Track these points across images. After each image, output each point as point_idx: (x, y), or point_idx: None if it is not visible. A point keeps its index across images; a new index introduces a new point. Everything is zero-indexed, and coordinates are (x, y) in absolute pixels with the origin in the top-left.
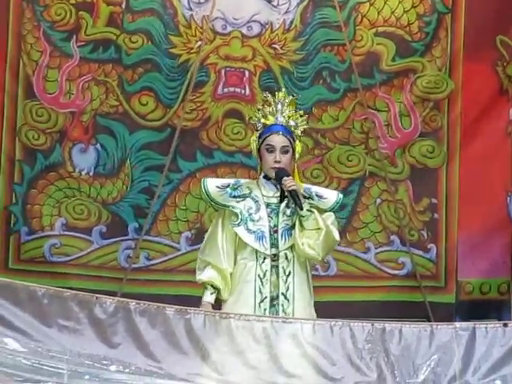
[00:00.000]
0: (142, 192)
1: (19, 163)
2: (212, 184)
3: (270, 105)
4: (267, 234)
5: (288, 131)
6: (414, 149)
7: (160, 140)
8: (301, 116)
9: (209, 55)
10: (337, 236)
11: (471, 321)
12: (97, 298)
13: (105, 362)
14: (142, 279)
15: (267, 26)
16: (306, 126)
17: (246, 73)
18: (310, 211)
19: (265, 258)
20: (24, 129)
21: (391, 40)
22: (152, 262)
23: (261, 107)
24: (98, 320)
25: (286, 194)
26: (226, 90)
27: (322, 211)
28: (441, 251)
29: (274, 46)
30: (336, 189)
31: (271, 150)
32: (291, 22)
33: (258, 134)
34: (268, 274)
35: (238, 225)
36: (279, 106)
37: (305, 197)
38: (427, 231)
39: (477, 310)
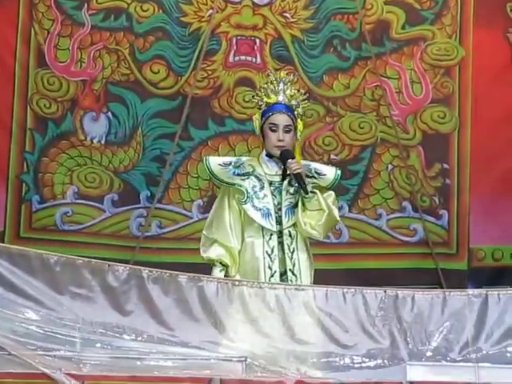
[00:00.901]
0: (154, 160)
1: (31, 131)
2: (214, 162)
3: (272, 83)
4: (272, 212)
5: (290, 110)
6: (426, 115)
7: (171, 108)
8: (302, 95)
9: (220, 24)
10: (337, 216)
11: (483, 287)
12: (109, 265)
13: (117, 330)
14: (154, 247)
15: None
16: (306, 105)
17: (257, 41)
18: (313, 192)
19: (271, 235)
20: (35, 97)
21: (401, 8)
22: (164, 230)
23: (263, 86)
24: (110, 288)
25: (292, 176)
26: (237, 58)
27: (322, 189)
28: (453, 217)
29: (284, 14)
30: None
31: (274, 128)
32: None
33: (260, 113)
34: (275, 250)
35: (245, 202)
36: (281, 85)
37: (308, 176)
38: (439, 197)
39: (489, 276)
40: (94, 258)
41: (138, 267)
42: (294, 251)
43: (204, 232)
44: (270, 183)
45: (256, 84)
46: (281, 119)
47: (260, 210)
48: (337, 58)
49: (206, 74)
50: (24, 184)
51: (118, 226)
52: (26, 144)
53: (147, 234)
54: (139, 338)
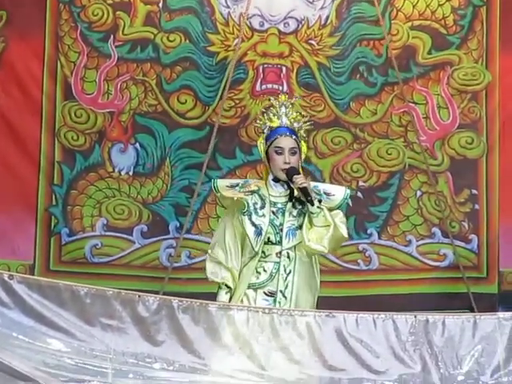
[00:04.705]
0: (183, 190)
1: (59, 164)
2: (222, 183)
3: (274, 107)
4: (264, 232)
5: (294, 133)
6: (454, 140)
7: (199, 138)
8: (303, 117)
9: (246, 52)
10: (345, 233)
11: None
12: (139, 296)
13: (149, 360)
14: (183, 278)
15: (303, 22)
16: (308, 127)
17: (284, 69)
18: (320, 208)
19: (256, 255)
20: (63, 130)
21: (427, 33)
22: (194, 261)
23: (265, 110)
24: (141, 318)
25: (297, 191)
26: (264, 86)
27: (330, 209)
28: (482, 242)
29: (310, 41)
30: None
31: (280, 152)
32: (327, 18)
33: (264, 137)
34: (263, 270)
35: (244, 214)
36: (283, 109)
37: (316, 193)
38: (468, 222)
39: None
40: (125, 289)
41: (168, 297)
42: (289, 273)
43: (209, 251)
44: (273, 204)
45: None
46: (286, 142)
47: (255, 225)
48: (363, 84)
49: (233, 103)
50: (53, 217)
51: (148, 258)
52: (55, 177)
53: (177, 265)
54: (171, 368)
